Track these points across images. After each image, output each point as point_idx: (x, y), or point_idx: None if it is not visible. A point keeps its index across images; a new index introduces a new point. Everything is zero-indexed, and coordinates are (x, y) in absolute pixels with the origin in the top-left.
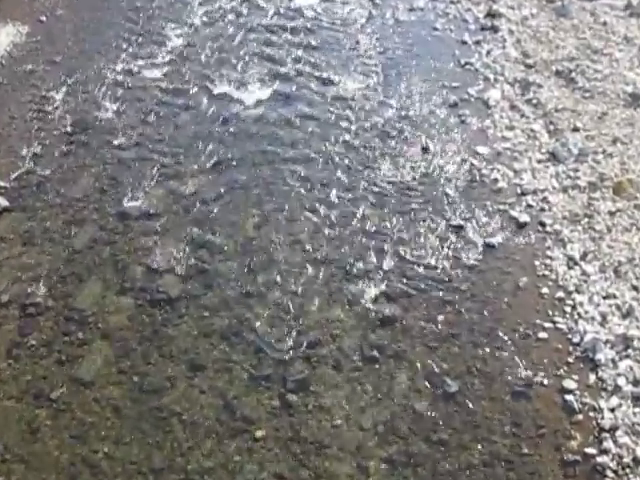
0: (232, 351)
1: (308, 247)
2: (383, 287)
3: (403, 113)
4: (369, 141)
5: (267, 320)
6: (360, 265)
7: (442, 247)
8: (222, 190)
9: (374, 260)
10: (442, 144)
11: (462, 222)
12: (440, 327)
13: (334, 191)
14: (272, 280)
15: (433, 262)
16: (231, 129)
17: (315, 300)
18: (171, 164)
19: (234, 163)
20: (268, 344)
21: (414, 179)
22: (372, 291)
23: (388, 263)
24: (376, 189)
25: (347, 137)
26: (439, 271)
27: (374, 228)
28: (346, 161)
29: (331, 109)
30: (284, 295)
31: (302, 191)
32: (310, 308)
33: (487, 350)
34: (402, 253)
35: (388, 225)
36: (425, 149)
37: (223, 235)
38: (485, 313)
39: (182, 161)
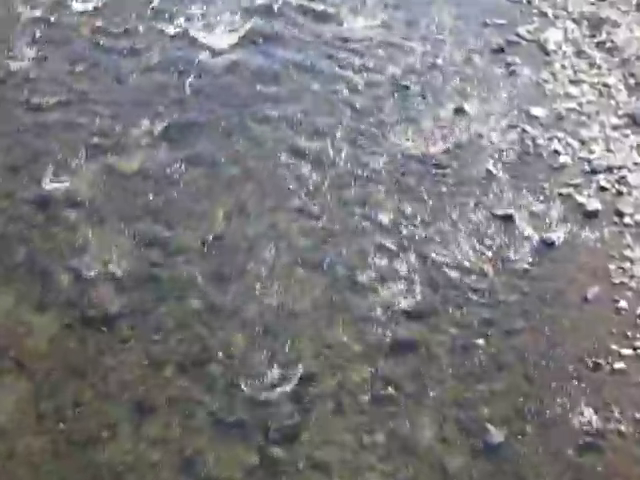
0: (193, 387)
1: (299, 245)
2: (401, 300)
3: (429, 61)
4: (382, 101)
5: (242, 345)
6: (370, 270)
7: (482, 245)
8: (180, 167)
9: (389, 263)
10: (482, 104)
11: (510, 211)
12: (479, 355)
13: (333, 170)
14: (249, 290)
15: (469, 265)
16: (192, 82)
17: (308, 317)
18: (109, 131)
19: (196, 130)
20: (243, 377)
21: (444, 152)
22: (386, 305)
23: (408, 267)
24: (392, 167)
25: (351, 95)
26: (477, 278)
27: (389, 219)
28: (351, 128)
29: (329, 55)
30: (265, 311)
31: (290, 169)
32: (301, 329)
33: (543, 386)
34: (427, 253)
35: (408, 215)
36: (459, 111)
37: (181, 229)
38: (541, 335)
39: (124, 127)
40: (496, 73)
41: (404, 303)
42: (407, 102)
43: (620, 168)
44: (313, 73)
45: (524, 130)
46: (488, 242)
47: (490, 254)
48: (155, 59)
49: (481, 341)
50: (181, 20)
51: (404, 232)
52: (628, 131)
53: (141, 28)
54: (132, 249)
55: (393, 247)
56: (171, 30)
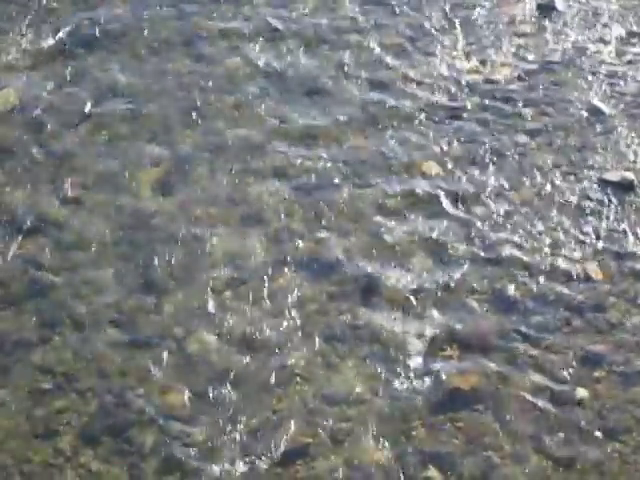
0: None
1: (280, 237)
2: (449, 322)
3: None
4: None
5: (189, 404)
6: (397, 275)
7: (583, 233)
8: (78, 107)
9: (430, 266)
10: None
11: (629, 176)
12: (585, 411)
13: (325, 99)
14: (196, 308)
15: (563, 264)
16: None
17: (300, 355)
18: None
19: (104, 44)
20: (197, 459)
21: (519, 79)
22: (426, 333)
23: (463, 270)
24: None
25: None
26: (577, 284)
27: (433, 184)
28: (344, 43)
29: None
30: (226, 346)
31: (260, 110)
32: (290, 376)
33: None
34: (491, 240)
35: (459, 179)
36: (547, 7)
37: (82, 207)
38: None
39: None
40: None
41: (452, 330)
42: None
43: None
44: None
45: None
46: (592, 227)
47: (597, 247)
48: None
49: (583, 393)
50: None
51: (460, 213)
52: None
53: None
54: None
55: (438, 235)
56: None
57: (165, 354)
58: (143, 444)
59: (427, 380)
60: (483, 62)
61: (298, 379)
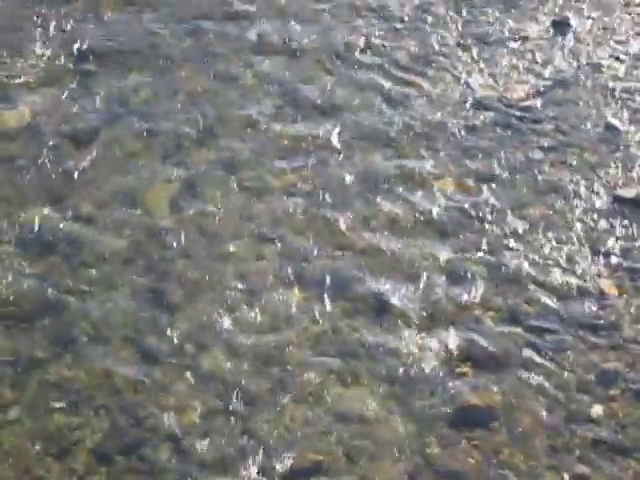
0: None
1: (293, 254)
2: (464, 339)
3: None
4: None
5: (202, 421)
6: (410, 292)
7: (598, 251)
8: (92, 124)
9: (444, 283)
10: (596, 12)
11: None
12: (600, 428)
13: (339, 117)
14: (210, 324)
15: (578, 282)
16: None
17: (314, 372)
18: None
19: (118, 61)
20: (211, 476)
21: (535, 96)
22: (441, 350)
23: (477, 287)
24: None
25: None
26: (593, 302)
27: (448, 201)
28: (357, 61)
29: None
30: (239, 363)
31: (274, 127)
32: (303, 394)
33: None
34: (505, 257)
35: (474, 196)
36: (559, 24)
37: (95, 224)
38: None
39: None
40: None
41: (467, 341)
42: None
43: None
44: None
45: None
46: (608, 245)
47: (612, 264)
48: None
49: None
50: None
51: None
52: None
53: None
54: None
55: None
56: None
57: (178, 371)
58: (157, 462)
59: (442, 397)
60: (497, 79)
61: (311, 397)
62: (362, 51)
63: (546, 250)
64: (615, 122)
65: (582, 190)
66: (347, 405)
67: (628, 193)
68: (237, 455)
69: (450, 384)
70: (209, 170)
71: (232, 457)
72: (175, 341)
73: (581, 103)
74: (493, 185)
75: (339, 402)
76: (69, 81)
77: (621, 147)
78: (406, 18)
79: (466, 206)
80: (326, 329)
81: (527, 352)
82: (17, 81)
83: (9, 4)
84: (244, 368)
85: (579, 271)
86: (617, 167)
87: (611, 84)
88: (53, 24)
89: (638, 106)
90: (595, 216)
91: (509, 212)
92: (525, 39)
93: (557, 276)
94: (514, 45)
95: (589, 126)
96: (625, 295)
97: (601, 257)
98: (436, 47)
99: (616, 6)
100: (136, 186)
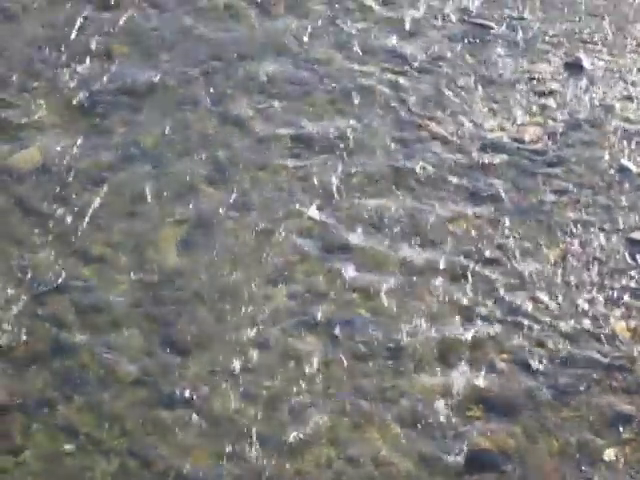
0: None
1: (305, 297)
2: (476, 382)
3: None
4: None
5: (213, 464)
6: (423, 335)
7: (610, 291)
8: (103, 165)
9: (457, 326)
10: (609, 55)
11: None
12: (613, 472)
13: (351, 159)
14: (221, 368)
15: (590, 325)
16: None
17: (325, 415)
18: None
19: (130, 101)
20: None
21: (548, 137)
22: (453, 393)
23: (489, 330)
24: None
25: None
26: (604, 345)
27: (460, 244)
28: (370, 102)
29: None
30: (251, 406)
31: (286, 169)
32: (314, 437)
33: None
34: (518, 300)
35: (486, 238)
36: (571, 65)
37: (105, 266)
38: None
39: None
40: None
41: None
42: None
43: None
44: None
45: None
46: (620, 286)
47: (625, 306)
48: None
49: None
50: None
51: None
52: None
53: None
54: None
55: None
56: None
57: (189, 414)
58: None
59: (453, 441)
60: (509, 120)
61: (323, 440)
62: (374, 92)
63: (558, 292)
64: (628, 164)
65: (595, 232)
66: (358, 449)
67: None
68: None
69: (462, 427)
70: (220, 212)
71: None
72: (186, 384)
73: (594, 145)
74: (504, 227)
75: (350, 445)
76: (80, 122)
77: (634, 189)
78: (418, 59)
79: (478, 247)
80: (338, 371)
81: (539, 395)
82: (28, 121)
83: (21, 44)
84: (255, 411)
85: (591, 313)
86: (630, 209)
87: (624, 125)
88: (64, 64)
89: None
90: (608, 258)
91: (520, 254)
92: (538, 81)
93: (569, 318)
94: (526, 87)
95: (602, 168)
96: (638, 337)
97: (614, 299)
98: (448, 88)
99: (628, 47)
100: (146, 228)
